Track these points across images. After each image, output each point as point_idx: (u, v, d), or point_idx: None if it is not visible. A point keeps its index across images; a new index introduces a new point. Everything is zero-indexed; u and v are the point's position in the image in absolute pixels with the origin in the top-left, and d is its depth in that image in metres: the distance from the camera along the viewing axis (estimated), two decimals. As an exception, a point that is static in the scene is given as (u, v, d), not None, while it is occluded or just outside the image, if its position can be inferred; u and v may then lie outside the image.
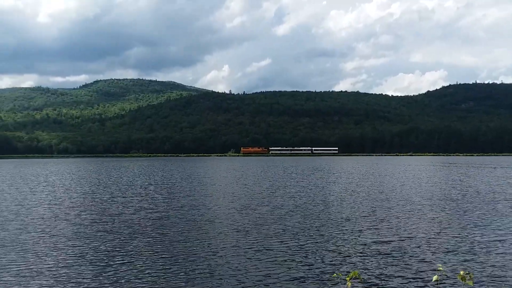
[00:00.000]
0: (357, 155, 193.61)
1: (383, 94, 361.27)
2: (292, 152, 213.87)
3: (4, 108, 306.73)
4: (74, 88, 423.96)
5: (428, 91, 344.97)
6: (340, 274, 8.17)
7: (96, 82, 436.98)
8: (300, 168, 62.50)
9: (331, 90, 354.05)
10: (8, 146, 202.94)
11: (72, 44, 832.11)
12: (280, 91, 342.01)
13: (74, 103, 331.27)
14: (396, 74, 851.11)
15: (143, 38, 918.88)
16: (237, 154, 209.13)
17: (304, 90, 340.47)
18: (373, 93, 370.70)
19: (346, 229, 14.48)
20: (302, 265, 10.14)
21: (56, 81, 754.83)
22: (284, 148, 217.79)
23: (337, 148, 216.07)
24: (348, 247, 11.86)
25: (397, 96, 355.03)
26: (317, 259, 10.68)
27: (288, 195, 24.70)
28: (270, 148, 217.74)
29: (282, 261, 10.48)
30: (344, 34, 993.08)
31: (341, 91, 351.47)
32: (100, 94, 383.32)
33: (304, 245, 12.19)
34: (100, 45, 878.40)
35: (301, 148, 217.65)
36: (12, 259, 10.72)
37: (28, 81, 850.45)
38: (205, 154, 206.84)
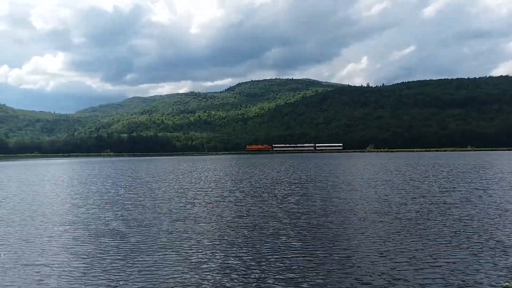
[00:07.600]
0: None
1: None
2: (295, 148, 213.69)
3: (165, 112, 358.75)
4: (220, 92, 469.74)
5: None
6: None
7: (239, 84, 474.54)
8: (459, 168, 55.60)
9: (488, 76, 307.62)
10: (169, 145, 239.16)
11: (219, 51, 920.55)
12: (425, 80, 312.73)
13: (221, 105, 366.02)
14: None
15: (280, 38, 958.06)
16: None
17: (454, 77, 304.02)
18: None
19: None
20: (468, 271, 8.97)
21: (206, 85, 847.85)
22: (287, 145, 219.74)
23: (341, 145, 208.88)
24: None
25: None
26: (485, 265, 9.35)
27: (445, 193, 21.77)
28: (273, 145, 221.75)
29: (443, 262, 8.98)
30: (505, 10, 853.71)
31: (501, 75, 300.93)
32: (242, 95, 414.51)
33: (470, 248, 10.54)
34: (242, 50, 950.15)
35: (304, 144, 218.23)
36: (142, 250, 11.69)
37: (183, 87, 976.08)
38: (343, 151, 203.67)
